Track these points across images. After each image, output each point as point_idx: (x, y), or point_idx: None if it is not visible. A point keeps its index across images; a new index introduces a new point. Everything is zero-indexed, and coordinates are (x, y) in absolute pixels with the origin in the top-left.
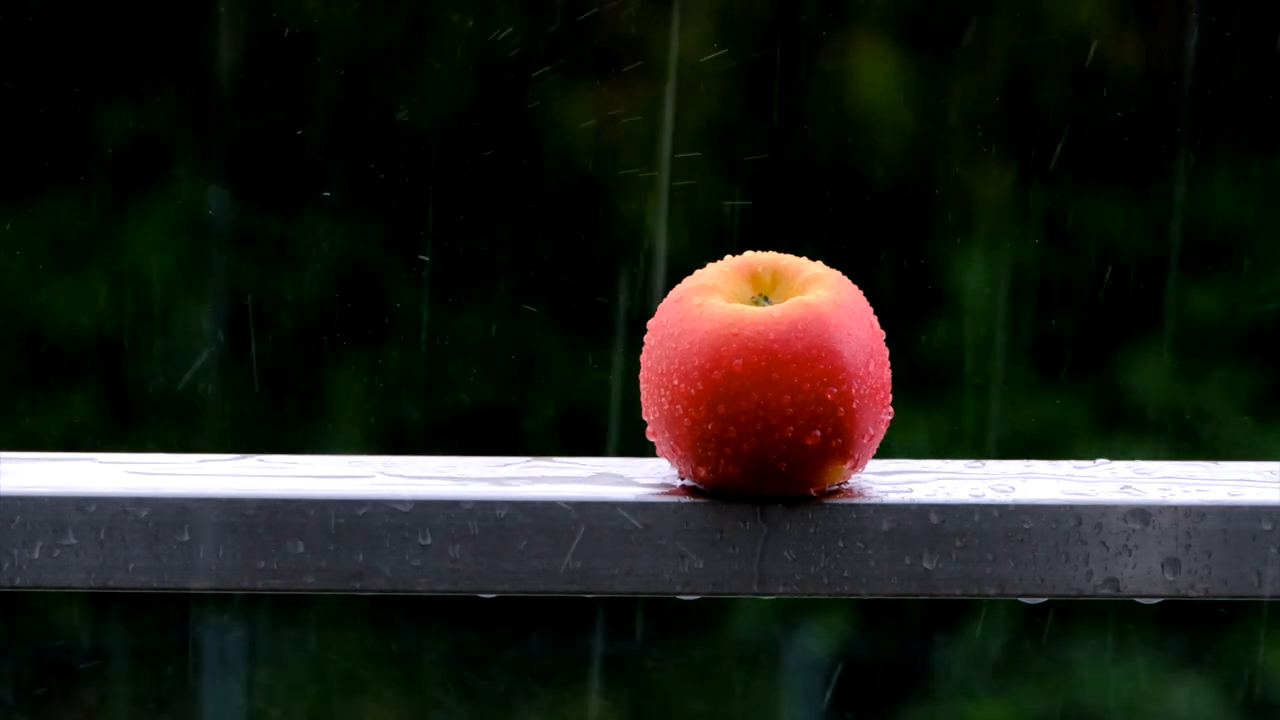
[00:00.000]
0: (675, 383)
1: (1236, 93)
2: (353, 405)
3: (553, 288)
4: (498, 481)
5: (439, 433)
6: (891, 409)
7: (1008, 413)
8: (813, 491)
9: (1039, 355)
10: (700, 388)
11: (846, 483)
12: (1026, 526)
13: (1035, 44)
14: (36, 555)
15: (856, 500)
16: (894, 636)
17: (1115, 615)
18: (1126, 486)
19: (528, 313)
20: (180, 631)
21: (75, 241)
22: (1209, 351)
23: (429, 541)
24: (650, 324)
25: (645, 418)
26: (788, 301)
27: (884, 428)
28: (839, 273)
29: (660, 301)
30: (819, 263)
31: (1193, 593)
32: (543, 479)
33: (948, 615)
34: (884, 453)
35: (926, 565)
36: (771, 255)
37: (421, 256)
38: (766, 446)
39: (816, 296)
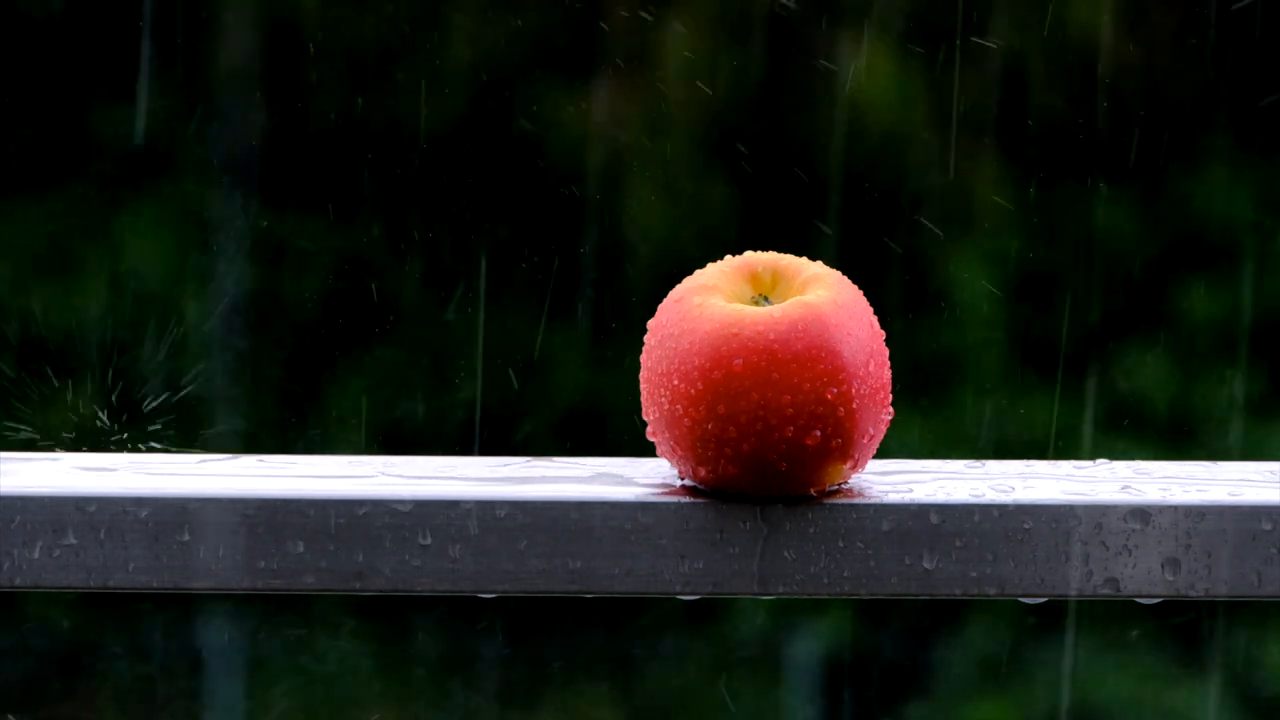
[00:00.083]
0: (675, 383)
1: (1236, 93)
2: (353, 405)
3: (553, 287)
4: (498, 481)
5: (439, 433)
6: (891, 409)
7: (1007, 413)
8: (813, 491)
9: (1039, 355)
10: (700, 388)
11: (846, 483)
12: (1026, 526)
13: (1035, 44)
14: (36, 555)
15: (856, 500)
16: (894, 636)
17: (1115, 615)
18: (1126, 486)
19: (528, 312)
20: (180, 631)
21: (75, 241)
22: (1209, 351)
23: (429, 541)
24: (650, 324)
25: (645, 418)
26: (788, 301)
27: (884, 428)
28: (839, 273)
29: (660, 301)
30: (819, 263)
31: (1193, 593)
32: (543, 479)
33: (948, 615)
34: (884, 453)
35: (926, 565)
36: (771, 255)
37: (422, 256)
38: (766, 446)
39: (816, 296)
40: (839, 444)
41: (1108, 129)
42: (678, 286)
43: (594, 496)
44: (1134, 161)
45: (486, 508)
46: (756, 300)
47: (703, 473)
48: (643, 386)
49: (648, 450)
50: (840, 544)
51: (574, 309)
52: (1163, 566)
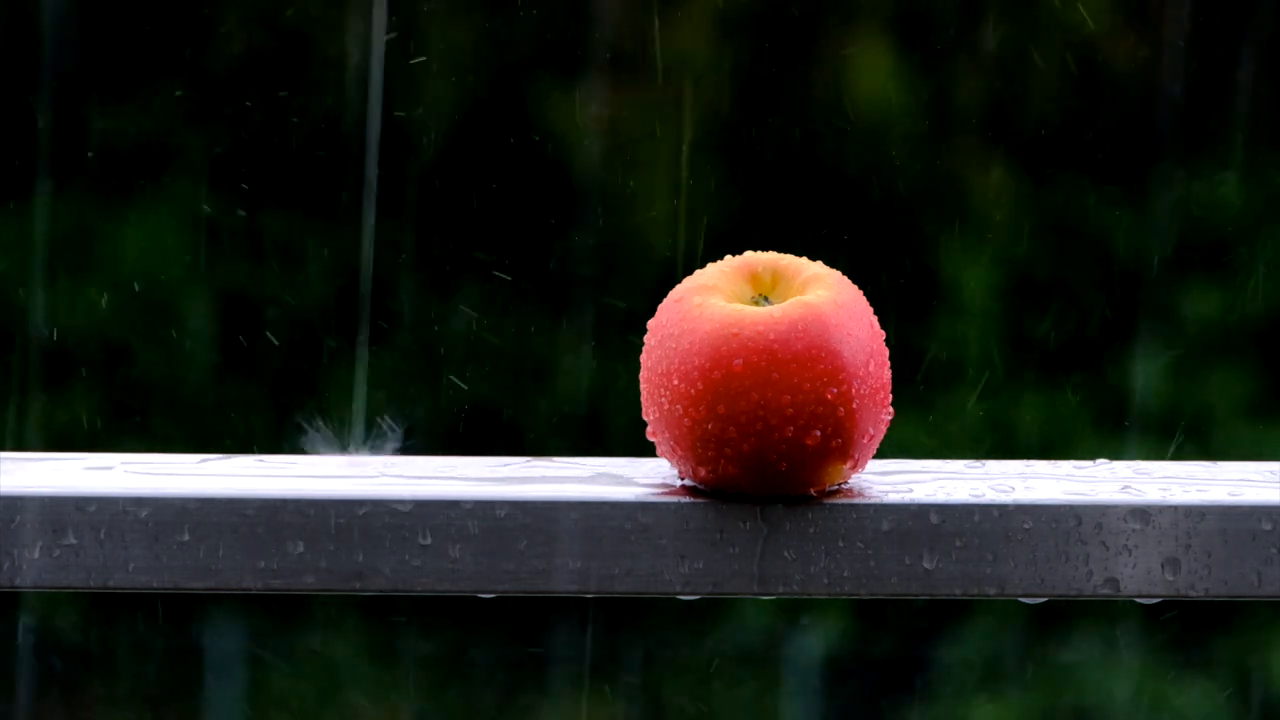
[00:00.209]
0: (675, 383)
1: (1236, 93)
2: (353, 405)
3: (553, 288)
4: (498, 481)
5: (439, 433)
6: (891, 409)
7: (1007, 413)
8: (813, 491)
9: (1039, 355)
10: (700, 388)
11: (846, 483)
12: (1026, 526)
13: (1035, 44)
14: (36, 555)
15: (856, 500)
16: (894, 636)
17: (1115, 615)
18: (1126, 486)
19: (528, 313)
20: (180, 631)
21: (75, 241)
22: (1209, 351)
23: (429, 541)
24: (650, 324)
25: (645, 418)
26: (788, 301)
27: (884, 428)
28: (839, 273)
29: (660, 301)
30: (819, 263)
31: (1193, 593)
32: (543, 479)
33: (948, 615)
34: (884, 453)
35: (926, 565)
36: (771, 255)
37: (422, 257)
38: (766, 446)
39: (816, 296)
40: (839, 444)
41: (1108, 129)
42: (678, 286)
43: (594, 496)
44: (1134, 161)
45: (486, 508)
46: (756, 300)
47: (703, 473)
48: (643, 386)
49: (648, 450)
50: (840, 544)
51: (574, 308)
52: (1163, 566)
